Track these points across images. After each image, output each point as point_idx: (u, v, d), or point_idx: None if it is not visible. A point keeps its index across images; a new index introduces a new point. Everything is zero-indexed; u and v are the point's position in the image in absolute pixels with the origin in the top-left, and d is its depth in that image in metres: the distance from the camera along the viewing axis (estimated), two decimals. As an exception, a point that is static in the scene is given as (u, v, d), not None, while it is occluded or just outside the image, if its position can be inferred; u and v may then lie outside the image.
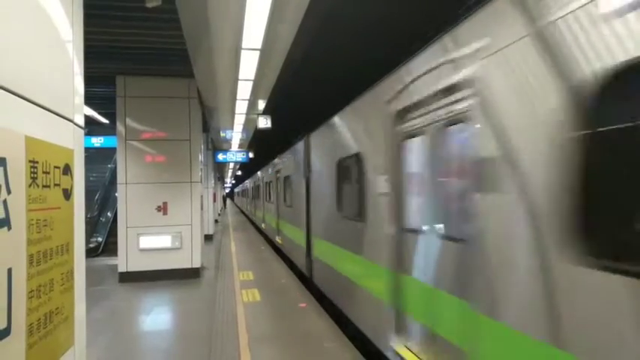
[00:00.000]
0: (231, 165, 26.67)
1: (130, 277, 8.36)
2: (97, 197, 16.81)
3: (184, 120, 8.83)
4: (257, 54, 5.78)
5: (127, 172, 8.51)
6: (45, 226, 1.52)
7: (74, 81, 1.91)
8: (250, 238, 16.58)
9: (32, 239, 1.42)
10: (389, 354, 3.96)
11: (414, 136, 3.65)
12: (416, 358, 3.52)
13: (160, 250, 8.56)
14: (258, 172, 20.50)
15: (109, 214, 16.52)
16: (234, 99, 8.56)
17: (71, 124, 1.86)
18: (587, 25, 1.81)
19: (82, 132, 1.98)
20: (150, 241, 8.51)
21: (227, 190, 57.52)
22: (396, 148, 3.91)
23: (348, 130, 5.54)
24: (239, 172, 37.70)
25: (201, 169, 10.05)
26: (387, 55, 5.54)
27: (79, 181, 1.89)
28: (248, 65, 6.27)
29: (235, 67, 6.36)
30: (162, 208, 8.60)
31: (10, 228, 1.28)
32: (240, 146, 15.85)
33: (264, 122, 9.99)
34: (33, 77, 1.53)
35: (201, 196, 10.02)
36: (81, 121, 1.98)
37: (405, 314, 3.78)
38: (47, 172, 1.55)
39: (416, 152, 3.65)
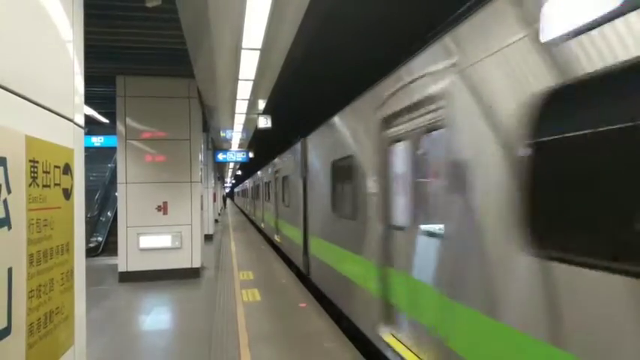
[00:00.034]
0: (231, 165, 26.66)
1: (130, 277, 8.37)
2: (97, 197, 16.82)
3: (184, 120, 8.83)
4: (257, 54, 5.77)
5: (127, 171, 8.52)
6: (45, 225, 1.52)
7: (74, 80, 1.91)
8: (250, 238, 16.58)
9: (32, 239, 1.42)
10: (377, 342, 4.26)
11: (398, 141, 3.99)
12: (402, 345, 3.81)
13: (160, 249, 8.56)
14: (258, 172, 20.60)
15: (109, 213, 16.54)
16: (234, 99, 8.56)
17: (71, 123, 1.86)
18: (529, 52, 2.17)
19: (82, 132, 1.98)
20: (150, 240, 8.51)
21: (227, 190, 57.51)
22: (384, 152, 4.25)
23: (341, 133, 5.80)
24: (239, 172, 37.70)
25: (201, 169, 10.05)
26: (386, 55, 5.54)
27: (79, 181, 1.89)
28: (248, 65, 6.27)
29: (235, 66, 6.36)
30: (163, 208, 8.60)
31: (10, 227, 1.28)
32: (240, 146, 15.85)
33: (265, 122, 9.99)
34: (33, 77, 1.53)
35: (202, 196, 10.03)
36: (81, 121, 1.98)
37: (392, 305, 4.09)
38: (47, 172, 1.55)
39: (400, 156, 3.98)
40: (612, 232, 1.80)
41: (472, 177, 2.66)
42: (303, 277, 8.80)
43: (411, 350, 3.66)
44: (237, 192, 55.80)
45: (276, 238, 13.11)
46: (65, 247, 1.72)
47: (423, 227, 3.49)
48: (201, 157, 9.98)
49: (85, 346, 1.98)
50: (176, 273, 8.58)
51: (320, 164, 7.05)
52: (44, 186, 1.52)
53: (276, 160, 12.99)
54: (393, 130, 4.05)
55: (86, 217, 2.08)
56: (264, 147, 19.63)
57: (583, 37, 1.84)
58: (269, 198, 15.20)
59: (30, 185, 1.41)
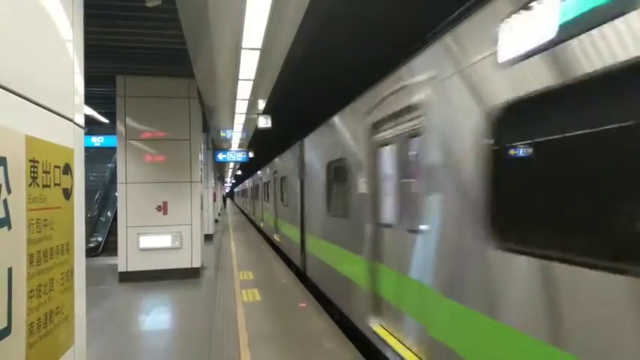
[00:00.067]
0: (231, 165, 26.66)
1: (129, 277, 8.36)
2: (97, 197, 16.80)
3: (184, 120, 8.83)
4: (257, 54, 5.77)
5: (127, 171, 8.51)
6: (45, 225, 1.52)
7: (74, 80, 1.91)
8: (250, 238, 16.58)
9: (32, 239, 1.42)
10: (368, 333, 4.57)
11: (385, 145, 4.34)
12: (389, 335, 4.12)
13: (160, 249, 8.56)
14: (258, 172, 20.68)
15: (108, 213, 16.52)
16: (234, 99, 8.55)
17: (71, 123, 1.86)
18: (489, 70, 2.47)
19: (82, 131, 1.98)
20: (150, 240, 8.50)
21: (227, 190, 57.49)
22: (373, 155, 4.59)
23: (335, 136, 6.10)
24: (239, 172, 37.70)
25: (201, 169, 10.04)
26: (386, 55, 5.54)
27: (79, 181, 1.89)
28: (248, 65, 6.27)
29: (235, 66, 6.36)
30: (163, 208, 8.59)
31: (10, 227, 1.28)
32: (240, 146, 15.84)
33: (264, 122, 9.99)
34: (33, 77, 1.53)
35: (201, 196, 10.02)
36: (81, 121, 1.98)
37: (381, 297, 4.40)
38: (47, 172, 1.55)
39: (387, 159, 4.34)
40: (554, 227, 2.16)
41: (446, 179, 2.98)
42: (301, 276, 8.90)
43: (398, 340, 3.96)
44: (237, 192, 55.80)
45: (276, 237, 13.31)
46: (65, 247, 1.72)
47: (407, 225, 3.81)
48: (201, 157, 9.98)
49: (85, 346, 1.97)
50: (176, 273, 8.58)
51: (316, 165, 7.34)
52: (44, 186, 1.52)
53: (275, 160, 13.27)
54: (381, 135, 4.38)
55: (86, 217, 2.08)
56: (264, 147, 19.63)
57: (530, 59, 2.15)
58: (268, 198, 15.43)
59: (30, 185, 1.41)
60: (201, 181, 10.55)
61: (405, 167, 3.90)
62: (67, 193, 1.75)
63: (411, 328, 3.68)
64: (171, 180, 8.70)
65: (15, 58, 1.40)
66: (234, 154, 15.41)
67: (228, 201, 59.49)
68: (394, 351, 3.81)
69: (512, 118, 2.34)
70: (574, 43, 1.88)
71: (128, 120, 8.58)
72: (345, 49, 10.37)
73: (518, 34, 2.22)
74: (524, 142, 2.33)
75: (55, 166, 1.63)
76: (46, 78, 1.65)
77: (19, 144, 1.36)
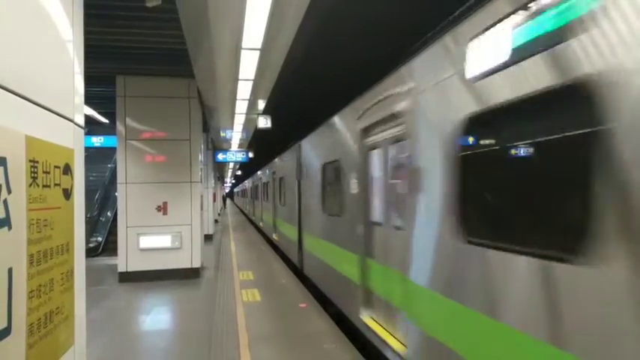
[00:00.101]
0: (231, 165, 26.66)
1: (129, 277, 8.36)
2: (96, 197, 16.79)
3: (184, 120, 8.83)
4: (257, 54, 5.77)
5: (127, 171, 8.51)
6: (45, 225, 1.52)
7: (74, 80, 1.91)
8: (250, 238, 16.58)
9: (32, 239, 1.42)
10: (359, 325, 4.89)
11: (374, 148, 4.65)
12: (378, 325, 4.42)
13: (159, 249, 8.55)
14: (257, 173, 20.77)
15: (108, 213, 16.51)
16: (234, 99, 8.55)
17: (71, 123, 1.85)
18: (459, 85, 2.78)
19: (82, 132, 1.98)
20: (150, 240, 8.50)
21: (227, 190, 57.47)
22: (363, 157, 4.90)
23: (330, 139, 6.44)
24: (239, 172, 37.69)
25: (201, 169, 10.04)
26: (387, 54, 5.54)
27: (79, 181, 1.89)
28: (248, 65, 6.27)
29: (235, 66, 6.36)
30: (162, 208, 8.59)
31: (10, 228, 1.28)
32: (240, 146, 15.84)
33: (264, 122, 9.99)
34: (33, 77, 1.53)
35: (201, 196, 10.02)
36: (81, 121, 1.98)
37: (371, 291, 4.71)
38: (47, 172, 1.55)
39: (376, 161, 4.66)
40: (507, 223, 2.56)
41: (424, 181, 3.30)
42: (299, 273, 9.10)
43: (386, 329, 4.27)
44: (237, 192, 55.79)
45: (274, 236, 13.58)
46: (65, 247, 1.72)
47: (393, 222, 4.17)
48: (201, 157, 9.98)
49: (85, 346, 1.97)
50: (176, 273, 8.58)
51: (312, 167, 7.64)
52: (44, 186, 1.52)
53: (274, 161, 13.60)
54: (370, 139, 4.72)
55: (86, 217, 2.08)
56: (264, 147, 19.63)
57: (490, 77, 2.44)
58: (267, 198, 15.69)
59: (30, 185, 1.41)
60: (201, 182, 10.55)
61: (391, 169, 4.26)
62: (67, 194, 1.75)
63: (396, 317, 4.01)
64: (171, 180, 8.70)
65: (15, 58, 1.40)
66: (234, 155, 15.41)
67: (228, 201, 59.47)
68: (382, 340, 4.13)
69: (476, 128, 2.69)
70: (523, 64, 2.19)
71: (128, 120, 8.58)
72: (345, 49, 10.37)
73: (481, 55, 2.55)
74: (484, 150, 2.72)
75: (55, 167, 1.63)
76: (46, 78, 1.65)
77: (19, 144, 1.36)
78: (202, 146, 11.27)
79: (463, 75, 2.71)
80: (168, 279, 8.43)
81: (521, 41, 2.20)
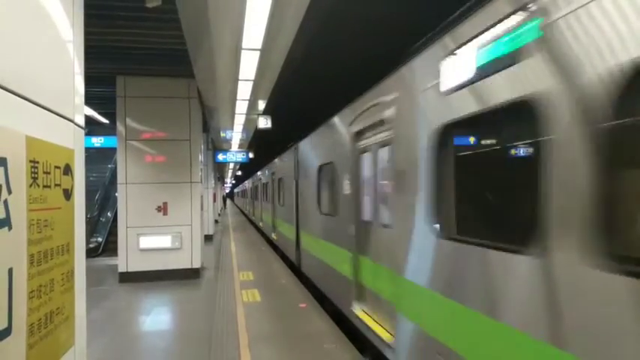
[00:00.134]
0: (231, 165, 26.66)
1: (130, 278, 8.36)
2: (97, 197, 16.79)
3: (184, 120, 8.83)
4: (257, 54, 5.78)
5: (127, 172, 8.51)
6: (45, 226, 1.52)
7: (74, 81, 1.91)
8: (250, 239, 16.58)
9: (33, 239, 1.42)
10: (351, 317, 5.16)
11: (365, 152, 4.92)
12: (369, 318, 4.67)
13: (160, 250, 8.55)
14: (257, 173, 20.89)
15: (109, 214, 16.51)
16: (234, 99, 8.56)
17: (71, 124, 1.85)
18: (435, 96, 3.09)
19: (82, 132, 1.98)
20: (150, 241, 8.50)
21: (227, 191, 57.47)
22: (355, 160, 5.19)
23: (325, 142, 6.79)
24: (239, 173, 37.69)
25: (201, 170, 10.04)
26: (387, 54, 5.55)
27: (80, 181, 1.89)
28: (248, 65, 6.27)
29: (235, 67, 6.36)
30: (163, 209, 8.59)
31: (10, 228, 1.28)
32: (240, 146, 15.84)
33: (265, 122, 10.00)
34: (34, 77, 1.53)
35: (201, 197, 10.03)
36: (81, 121, 1.98)
37: (362, 286, 5.00)
38: (48, 172, 1.55)
39: (366, 164, 4.93)
40: (476, 220, 2.91)
41: (407, 182, 3.58)
42: (296, 271, 9.36)
43: (376, 321, 4.54)
44: (237, 192, 55.79)
45: (273, 235, 13.86)
46: (65, 248, 1.72)
47: (381, 221, 4.45)
48: (201, 157, 9.98)
49: (85, 346, 1.97)
50: (176, 273, 8.58)
51: (309, 168, 7.92)
52: (44, 186, 1.52)
53: (272, 163, 13.94)
54: (362, 143, 5.00)
55: (86, 217, 2.08)
56: (264, 147, 19.63)
57: (460, 91, 2.75)
58: (266, 198, 15.94)
59: (30, 186, 1.41)
60: (201, 182, 10.55)
61: (380, 171, 4.55)
62: (68, 194, 1.75)
63: (385, 309, 4.27)
64: (171, 180, 8.70)
65: (15, 59, 1.40)
66: (234, 155, 15.42)
67: (228, 201, 59.45)
68: (373, 331, 4.39)
69: (448, 136, 3.01)
70: (485, 81, 2.50)
71: (128, 120, 8.58)
72: (346, 49, 10.36)
73: (452, 71, 2.88)
74: (455, 155, 3.05)
75: (56, 167, 1.63)
76: (46, 78, 1.65)
77: (20, 144, 1.36)
78: (202, 146, 11.27)
79: (439, 88, 3.02)
80: (168, 279, 8.43)
81: (482, 62, 2.55)
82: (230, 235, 18.32)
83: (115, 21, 5.82)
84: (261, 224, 18.96)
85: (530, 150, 2.20)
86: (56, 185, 1.63)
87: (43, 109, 1.57)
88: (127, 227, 8.46)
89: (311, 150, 7.95)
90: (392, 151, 3.99)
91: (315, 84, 12.90)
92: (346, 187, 5.45)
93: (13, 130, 1.32)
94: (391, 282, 3.97)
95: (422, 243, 3.33)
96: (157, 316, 6.40)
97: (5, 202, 1.25)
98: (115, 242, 8.74)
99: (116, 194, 10.73)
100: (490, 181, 2.90)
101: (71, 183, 1.78)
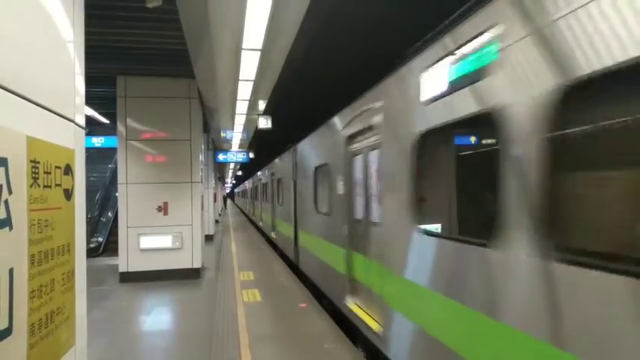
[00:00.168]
0: (232, 165, 26.66)
1: (130, 277, 8.36)
2: (97, 197, 16.80)
3: (185, 120, 8.83)
4: (257, 54, 5.78)
5: (128, 172, 8.51)
6: (46, 226, 1.52)
7: (75, 81, 1.91)
8: (251, 239, 16.59)
9: (33, 239, 1.43)
10: (345, 310, 5.51)
11: (357, 155, 5.23)
12: (361, 310, 4.96)
13: (160, 250, 8.55)
14: (257, 173, 21.02)
15: (109, 214, 16.52)
16: (234, 99, 8.56)
17: (72, 124, 1.86)
18: (416, 106, 3.39)
19: (82, 132, 1.98)
20: (150, 241, 8.50)
21: (227, 191, 57.45)
22: (348, 162, 5.50)
23: (321, 144, 7.11)
24: (239, 173, 37.68)
25: (201, 170, 10.04)
26: (387, 54, 5.55)
27: (80, 182, 1.89)
28: (248, 65, 6.27)
29: (236, 67, 6.36)
30: (163, 209, 8.59)
31: (11, 228, 1.28)
32: (240, 146, 15.84)
33: (265, 122, 9.99)
34: (34, 77, 1.53)
35: (202, 197, 10.03)
36: (82, 122, 1.98)
37: (355, 280, 5.31)
38: (48, 172, 1.55)
39: (358, 166, 5.23)
40: (450, 219, 3.28)
41: (392, 183, 3.91)
42: (294, 268, 9.61)
43: (367, 313, 4.81)
44: (238, 192, 55.80)
45: (273, 234, 14.14)
46: (66, 248, 1.72)
47: (371, 219, 4.76)
48: (201, 157, 9.98)
49: (85, 346, 1.98)
50: (177, 273, 8.58)
51: (306, 169, 8.21)
52: (45, 186, 1.52)
53: (272, 163, 14.22)
54: (354, 146, 5.31)
55: (87, 217, 2.08)
56: (264, 147, 19.63)
57: (436, 102, 3.07)
58: (266, 198, 16.20)
59: (31, 186, 1.41)
60: (202, 182, 10.55)
61: (370, 173, 4.84)
62: (68, 194, 1.75)
63: (375, 302, 4.52)
64: (172, 180, 8.70)
65: (16, 59, 1.40)
66: (235, 155, 15.42)
67: (229, 201, 59.45)
68: (364, 323, 4.68)
69: (425, 142, 3.31)
70: (451, 96, 2.86)
71: (129, 120, 8.58)
72: (346, 49, 10.36)
73: (430, 84, 3.17)
74: (432, 158, 3.38)
75: (56, 167, 1.63)
76: (47, 79, 1.66)
77: (20, 145, 1.36)
78: (203, 146, 11.27)
79: (419, 98, 3.31)
80: (168, 279, 8.43)
81: (453, 77, 2.87)
82: (230, 235, 18.32)
83: (116, 21, 5.82)
84: (260, 224, 19.21)
85: (492, 156, 2.50)
86: (57, 185, 1.63)
87: (43, 110, 1.57)
88: (127, 227, 8.47)
89: (308, 152, 8.19)
90: (379, 155, 4.32)
91: (316, 84, 12.90)
92: (340, 188, 5.77)
93: (13, 130, 1.33)
94: (379, 276, 4.28)
95: (405, 239, 3.62)
96: (157, 316, 6.41)
97: (6, 202, 1.25)
98: (116, 242, 8.74)
99: (117, 194, 10.73)
100: (461, 183, 3.31)
101: (72, 183, 1.79)
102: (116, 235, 8.75)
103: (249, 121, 11.08)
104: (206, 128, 12.05)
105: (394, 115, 3.92)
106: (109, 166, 18.22)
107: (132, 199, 8.48)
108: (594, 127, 2.02)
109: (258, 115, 10.05)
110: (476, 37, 2.60)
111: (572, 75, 1.89)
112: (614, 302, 1.68)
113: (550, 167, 2.02)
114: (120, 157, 8.59)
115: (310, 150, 8.03)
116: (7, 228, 1.26)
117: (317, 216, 7.33)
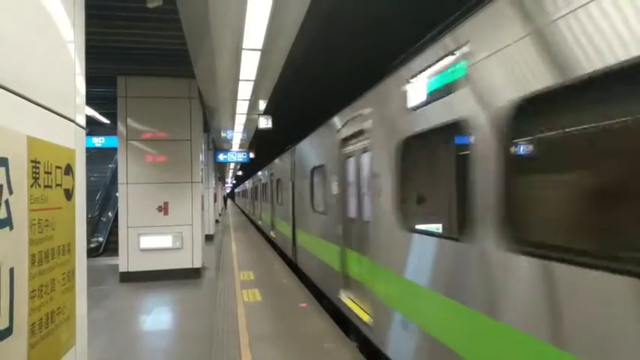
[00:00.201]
0: (232, 165, 26.66)
1: (130, 277, 8.37)
2: (97, 197, 16.81)
3: (185, 120, 8.83)
4: (258, 54, 5.78)
5: (128, 172, 8.52)
6: (46, 226, 1.53)
7: (75, 81, 1.92)
8: (251, 239, 16.59)
9: (34, 239, 1.43)
10: (338, 304, 5.86)
11: (350, 157, 5.54)
12: (354, 303, 5.29)
13: (160, 250, 8.56)
14: (258, 173, 21.13)
15: (109, 214, 16.54)
16: (235, 99, 8.56)
17: (73, 124, 1.86)
18: (403, 112, 3.65)
19: (83, 132, 1.98)
20: (151, 241, 8.51)
21: (227, 191, 57.46)
22: (342, 164, 5.81)
23: (318, 146, 7.40)
24: (240, 173, 37.69)
25: (201, 170, 10.04)
26: (387, 54, 5.55)
27: (81, 181, 1.89)
28: (249, 65, 6.27)
29: (236, 67, 6.36)
30: (163, 208, 8.60)
31: (12, 228, 1.28)
32: (240, 146, 15.84)
33: (265, 122, 9.99)
34: (35, 77, 1.54)
35: (202, 196, 10.03)
36: (82, 122, 1.98)
37: (348, 276, 5.64)
38: (49, 172, 1.55)
39: (351, 167, 5.53)
40: (428, 216, 3.66)
41: (380, 184, 4.20)
42: (292, 266, 9.84)
43: (358, 305, 5.14)
44: (238, 192, 55.80)
45: (272, 233, 14.43)
46: (66, 248, 1.72)
47: (362, 217, 5.02)
48: (201, 157, 9.98)
49: (86, 346, 1.98)
50: (177, 273, 8.58)
51: (304, 170, 8.44)
52: (46, 186, 1.53)
53: (271, 164, 14.57)
54: (347, 149, 5.60)
55: (87, 217, 2.09)
56: (264, 147, 19.63)
57: (419, 109, 3.36)
58: (266, 198, 16.50)
59: (32, 186, 1.42)
60: (202, 182, 10.55)
61: (362, 174, 5.11)
62: (69, 194, 1.75)
63: (366, 295, 4.80)
64: (172, 180, 8.71)
65: (16, 59, 1.40)
66: (235, 155, 15.42)
67: (229, 201, 59.46)
68: (356, 315, 4.99)
69: (408, 146, 3.62)
70: (430, 106, 3.19)
71: (129, 120, 8.58)
72: (346, 49, 10.36)
73: (413, 93, 3.48)
74: (413, 161, 3.70)
75: (57, 167, 1.63)
76: (47, 79, 1.66)
77: (21, 145, 1.36)
78: (203, 146, 11.27)
79: (406, 105, 3.58)
80: (169, 279, 8.44)
81: (431, 89, 3.19)
82: (231, 234, 18.33)
83: (116, 21, 5.82)
84: (260, 223, 19.47)
85: (462, 161, 2.80)
86: (57, 185, 1.63)
87: (44, 110, 1.58)
88: (127, 227, 8.47)
89: (305, 153, 8.44)
90: (370, 157, 4.64)
91: (316, 84, 12.90)
92: (334, 188, 6.09)
93: (14, 130, 1.33)
94: (370, 270, 4.61)
95: (391, 235, 3.98)
96: (157, 316, 6.41)
97: (6, 202, 1.26)
98: (116, 242, 8.75)
99: (117, 194, 10.74)
100: (438, 185, 3.72)
101: (72, 183, 1.79)
102: (116, 235, 8.76)
103: (250, 121, 11.08)
104: (206, 128, 12.05)
105: (382, 121, 4.27)
106: (110, 166, 18.23)
107: (132, 199, 8.48)
108: (541, 136, 2.39)
109: (259, 114, 10.06)
110: (447, 55, 2.97)
111: (522, 92, 2.22)
112: (559, 285, 2.01)
113: (505, 171, 2.35)
114: (120, 157, 8.59)
115: (307, 152, 8.29)
116: (8, 228, 1.27)
117: (313, 215, 7.62)
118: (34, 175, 1.43)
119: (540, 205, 2.43)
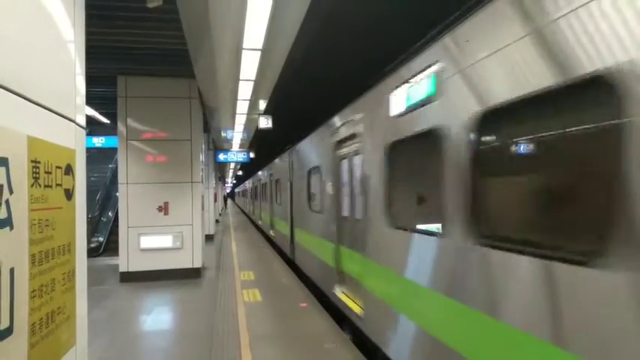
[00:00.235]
0: (232, 165, 26.65)
1: (131, 277, 8.37)
2: (98, 197, 16.82)
3: (185, 120, 8.83)
4: (258, 54, 5.78)
5: (128, 172, 8.52)
6: (47, 226, 1.53)
7: (76, 81, 1.92)
8: (251, 238, 16.59)
9: (34, 239, 1.43)
10: (333, 298, 6.24)
11: (343, 159, 5.87)
12: (348, 298, 5.62)
13: (161, 250, 8.56)
14: (258, 173, 21.21)
15: (110, 214, 16.55)
16: (235, 99, 8.56)
17: (73, 124, 1.86)
18: (386, 119, 4.06)
19: (83, 132, 1.98)
20: (151, 241, 8.51)
21: (228, 190, 57.46)
22: (336, 165, 6.17)
23: (314, 148, 7.72)
24: (240, 172, 37.69)
25: (202, 169, 10.05)
26: (387, 55, 5.55)
27: (81, 181, 1.89)
28: (249, 65, 6.27)
29: (236, 67, 6.36)
30: (164, 208, 8.60)
31: (12, 228, 1.28)
32: (241, 146, 15.84)
33: (265, 122, 9.99)
34: (35, 77, 1.54)
35: (202, 196, 10.03)
36: (82, 122, 1.98)
37: (342, 272, 5.97)
38: (49, 172, 1.56)
39: (345, 169, 5.87)
40: (411, 214, 3.96)
41: (370, 185, 4.53)
42: (291, 263, 10.15)
43: (350, 298, 5.48)
44: (238, 192, 55.82)
45: (271, 232, 14.80)
46: (67, 248, 1.72)
47: (355, 216, 5.33)
48: (202, 157, 9.98)
49: (86, 346, 1.98)
50: (177, 273, 8.58)
51: (301, 170, 8.78)
52: (46, 186, 1.53)
53: (270, 164, 14.98)
54: (341, 151, 5.92)
55: (87, 217, 2.09)
56: (265, 147, 19.63)
57: (402, 117, 3.74)
58: (265, 197, 16.83)
59: (32, 186, 1.42)
60: (202, 182, 10.56)
61: (354, 175, 5.41)
62: (69, 194, 1.75)
63: (358, 289, 5.11)
64: (172, 180, 8.71)
65: (17, 59, 1.40)
66: (235, 155, 15.41)
67: (229, 201, 59.46)
68: (349, 308, 5.33)
69: (394, 150, 3.97)
70: (410, 114, 3.57)
71: (129, 120, 8.58)
72: (346, 49, 10.36)
73: (394, 102, 3.89)
74: (398, 164, 4.01)
75: (57, 167, 1.63)
76: (47, 79, 1.66)
77: (21, 145, 1.36)
78: (203, 146, 11.28)
79: (389, 113, 3.96)
80: (169, 279, 8.44)
81: (410, 102, 3.57)
82: (231, 234, 18.33)
83: (116, 21, 5.82)
84: (260, 222, 19.77)
85: (439, 165, 3.10)
86: (57, 185, 1.63)
87: (44, 110, 1.58)
88: (128, 227, 8.47)
89: (303, 154, 8.76)
90: (360, 160, 4.97)
91: (316, 84, 12.90)
92: (329, 188, 6.46)
93: (14, 130, 1.33)
94: (361, 265, 4.92)
95: (380, 232, 4.30)
96: (157, 316, 6.41)
97: (7, 202, 1.26)
98: (116, 242, 8.75)
99: (117, 194, 10.74)
100: (417, 186, 4.01)
101: (72, 183, 1.79)
102: (117, 234, 8.76)
103: (250, 121, 11.08)
104: (206, 128, 12.06)
105: (369, 127, 4.65)
106: (110, 166, 18.24)
107: (132, 199, 8.48)
108: (502, 143, 2.69)
109: (259, 114, 10.05)
110: (423, 70, 3.34)
111: (485, 105, 2.55)
112: (518, 273, 2.33)
113: (471, 175, 2.71)
114: (120, 157, 8.59)
115: (305, 153, 8.62)
116: (8, 228, 1.27)
117: (310, 214, 8.01)
118: (34, 175, 1.43)
119: (497, 203, 2.77)
